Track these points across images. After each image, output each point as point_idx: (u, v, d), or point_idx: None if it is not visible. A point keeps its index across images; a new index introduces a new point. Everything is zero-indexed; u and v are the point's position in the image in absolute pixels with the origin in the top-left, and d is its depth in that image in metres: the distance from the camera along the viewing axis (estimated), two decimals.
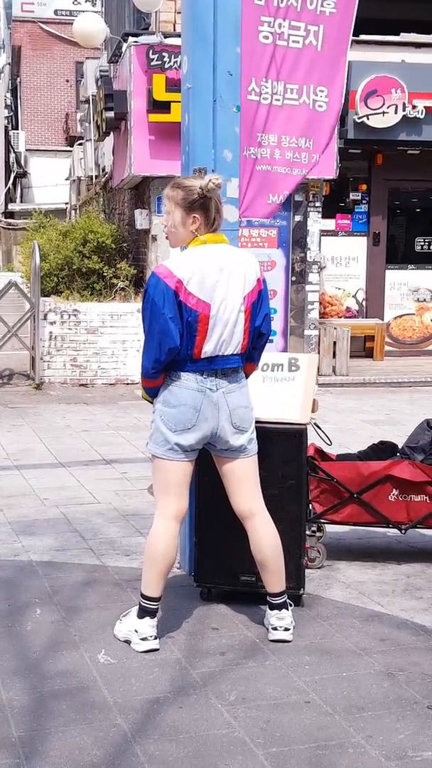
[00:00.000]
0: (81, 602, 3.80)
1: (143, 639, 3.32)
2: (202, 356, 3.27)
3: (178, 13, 10.06)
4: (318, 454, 4.41)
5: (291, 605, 3.51)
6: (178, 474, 3.35)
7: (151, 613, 3.36)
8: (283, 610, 3.43)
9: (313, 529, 4.27)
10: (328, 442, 4.28)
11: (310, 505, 4.24)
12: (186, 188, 3.32)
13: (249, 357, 3.45)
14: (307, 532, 4.02)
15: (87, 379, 10.54)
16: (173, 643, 3.38)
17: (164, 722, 2.82)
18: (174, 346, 3.22)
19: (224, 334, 3.27)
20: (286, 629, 3.41)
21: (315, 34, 4.12)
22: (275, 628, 3.41)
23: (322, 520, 4.33)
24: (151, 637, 3.33)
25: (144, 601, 3.36)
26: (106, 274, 11.06)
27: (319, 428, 4.15)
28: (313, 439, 4.03)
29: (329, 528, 4.50)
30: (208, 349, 3.26)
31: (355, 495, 4.25)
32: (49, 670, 3.15)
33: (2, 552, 4.49)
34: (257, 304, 3.36)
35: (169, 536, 3.35)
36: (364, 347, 11.82)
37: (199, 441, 3.33)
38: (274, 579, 3.43)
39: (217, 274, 3.26)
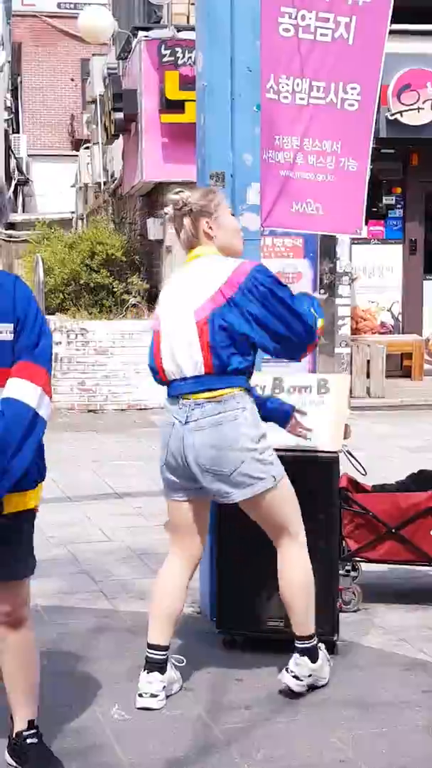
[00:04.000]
0: (92, 651, 3.81)
1: (139, 694, 3.32)
2: (167, 378, 3.33)
3: (192, 4, 10.18)
4: (351, 485, 4.41)
5: (314, 657, 3.39)
6: (173, 514, 3.42)
7: (152, 665, 3.35)
8: (304, 657, 3.39)
9: (348, 568, 4.26)
10: (363, 472, 4.27)
11: (344, 542, 4.23)
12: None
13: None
14: (341, 572, 4.01)
15: (96, 404, 10.60)
16: (193, 697, 3.38)
17: None
18: (149, 364, 3.41)
19: (177, 353, 3.27)
20: (295, 677, 3.35)
21: (346, 27, 4.14)
22: (286, 670, 3.38)
23: (358, 559, 4.32)
24: (146, 693, 3.31)
25: (147, 648, 3.40)
26: (116, 289, 11.14)
27: (352, 456, 4.15)
28: (345, 468, 4.03)
29: (365, 567, 4.48)
30: (168, 369, 3.32)
31: (394, 530, 4.23)
32: (58, 728, 3.14)
33: None
34: (217, 316, 3.20)
35: (166, 575, 3.41)
36: (401, 366, 11.81)
37: (179, 480, 3.34)
38: (294, 621, 3.41)
39: (173, 286, 3.39)
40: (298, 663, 3.38)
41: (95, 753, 2.99)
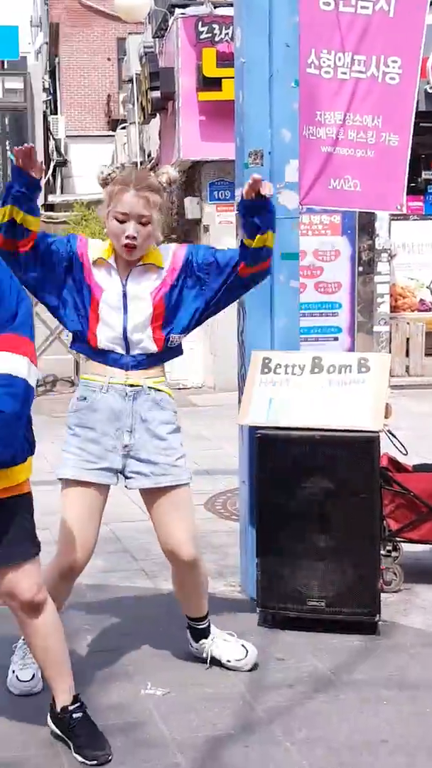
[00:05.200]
0: (133, 629, 3.82)
1: None
2: None
3: None
4: (392, 464, 4.37)
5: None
6: None
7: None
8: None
9: (389, 548, 4.23)
10: (404, 452, 4.24)
11: (385, 522, 4.19)
12: None
13: None
14: (382, 552, 3.98)
15: None
16: (234, 675, 3.38)
17: (228, 762, 2.81)
18: None
19: None
20: None
21: None
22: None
23: (398, 539, 4.28)
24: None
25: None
26: None
27: (393, 436, 4.11)
28: (386, 448, 3.99)
29: (406, 547, 4.44)
30: None
31: None
32: (101, 704, 3.17)
33: None
34: None
35: None
36: None
37: None
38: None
39: None
40: None
41: (139, 729, 3.01)
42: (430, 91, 10.48)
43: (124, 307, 3.18)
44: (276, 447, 3.71)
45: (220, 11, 10.15)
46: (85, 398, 3.22)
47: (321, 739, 2.93)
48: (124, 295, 3.19)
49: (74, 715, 2.87)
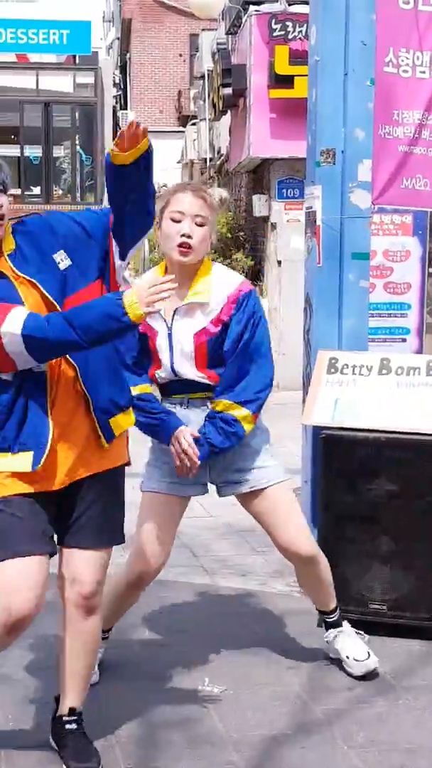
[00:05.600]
0: (191, 625, 3.85)
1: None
2: None
3: None
4: None
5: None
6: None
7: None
8: None
9: None
10: None
11: None
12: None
13: None
14: None
15: None
16: (293, 676, 3.38)
17: (285, 762, 2.81)
18: None
19: None
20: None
21: None
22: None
23: None
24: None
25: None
26: None
27: None
28: None
29: None
30: None
31: None
32: (158, 699, 3.20)
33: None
34: None
35: None
36: None
37: None
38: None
39: None
40: None
41: (195, 724, 3.03)
42: None
43: (170, 347, 3.13)
44: (341, 447, 3.71)
45: (294, 9, 10.13)
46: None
47: (380, 743, 2.92)
48: (170, 336, 3.13)
49: (67, 726, 2.77)
